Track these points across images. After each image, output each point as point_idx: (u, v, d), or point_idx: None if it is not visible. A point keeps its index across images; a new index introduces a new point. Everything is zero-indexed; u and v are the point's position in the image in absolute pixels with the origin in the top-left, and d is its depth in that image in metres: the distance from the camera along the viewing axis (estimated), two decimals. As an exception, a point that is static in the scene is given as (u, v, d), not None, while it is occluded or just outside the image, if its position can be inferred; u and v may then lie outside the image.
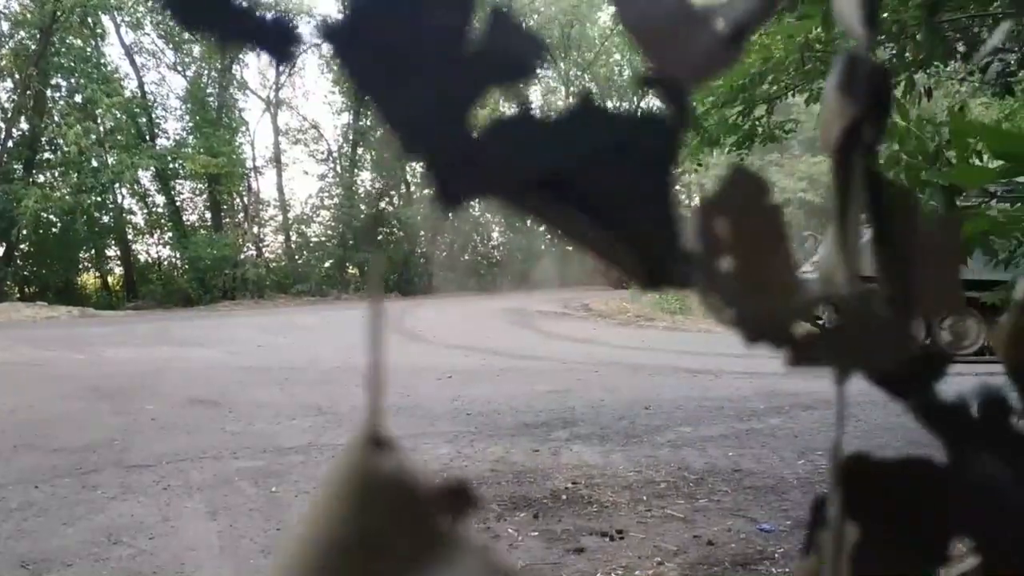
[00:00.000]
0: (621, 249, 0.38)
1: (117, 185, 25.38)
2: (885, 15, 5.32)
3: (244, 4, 0.35)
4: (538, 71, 0.37)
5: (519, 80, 0.37)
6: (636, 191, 0.38)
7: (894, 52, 6.67)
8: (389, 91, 0.35)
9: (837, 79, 0.42)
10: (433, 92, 0.35)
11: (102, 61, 25.22)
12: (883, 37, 5.88)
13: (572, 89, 41.90)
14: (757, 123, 7.05)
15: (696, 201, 0.40)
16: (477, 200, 0.37)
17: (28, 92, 23.28)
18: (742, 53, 0.42)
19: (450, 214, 0.36)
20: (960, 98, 8.23)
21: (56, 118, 24.06)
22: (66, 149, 23.39)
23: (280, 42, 0.37)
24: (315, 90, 68.15)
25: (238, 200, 29.87)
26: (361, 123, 30.57)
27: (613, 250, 0.39)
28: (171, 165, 26.57)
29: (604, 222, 0.38)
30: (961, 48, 6.18)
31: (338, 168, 31.29)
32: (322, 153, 31.42)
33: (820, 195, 25.19)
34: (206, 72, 28.23)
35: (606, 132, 0.38)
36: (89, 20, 24.22)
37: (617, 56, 42.72)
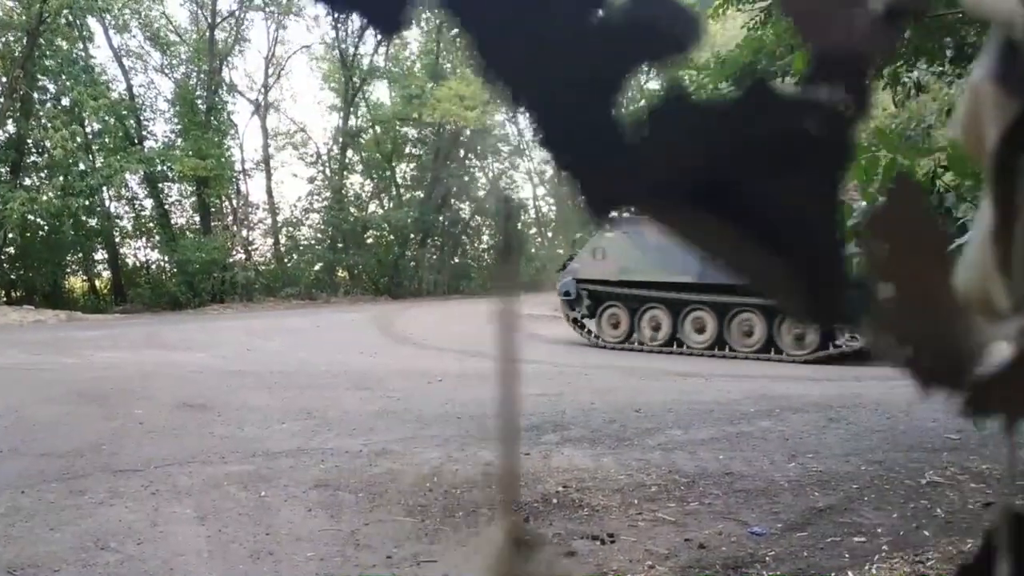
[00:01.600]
0: (781, 274, 0.32)
1: (105, 188, 25.25)
2: None
3: None
4: (693, 49, 0.32)
5: (672, 57, 0.32)
6: (805, 200, 0.32)
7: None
8: (517, 71, 0.30)
9: (991, 69, 0.35)
10: (571, 72, 0.30)
11: (89, 64, 25.10)
12: None
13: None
14: None
15: None
16: (627, 210, 0.32)
17: (14, 95, 23.14)
18: (902, 34, 0.37)
19: (599, 223, 0.31)
20: (948, 100, 8.26)
21: (43, 121, 23.91)
22: (53, 152, 23.24)
23: (390, 9, 0.33)
24: (303, 92, 68.06)
25: (227, 203, 29.76)
26: (350, 125, 30.52)
27: (771, 275, 0.33)
28: (159, 168, 26.44)
29: (765, 239, 0.31)
30: (950, 48, 6.20)
31: (327, 171, 31.21)
32: (311, 156, 31.37)
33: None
34: (195, 74, 28.12)
35: (779, 123, 0.31)
36: (76, 22, 24.10)
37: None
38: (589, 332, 15.04)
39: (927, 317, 0.35)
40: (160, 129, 31.08)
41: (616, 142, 0.31)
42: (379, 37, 29.17)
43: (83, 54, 25.26)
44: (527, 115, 0.31)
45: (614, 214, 0.32)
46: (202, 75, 27.97)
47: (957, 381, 0.35)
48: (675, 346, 13.78)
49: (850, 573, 3.72)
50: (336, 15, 28.85)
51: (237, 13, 27.70)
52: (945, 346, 0.35)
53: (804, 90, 0.32)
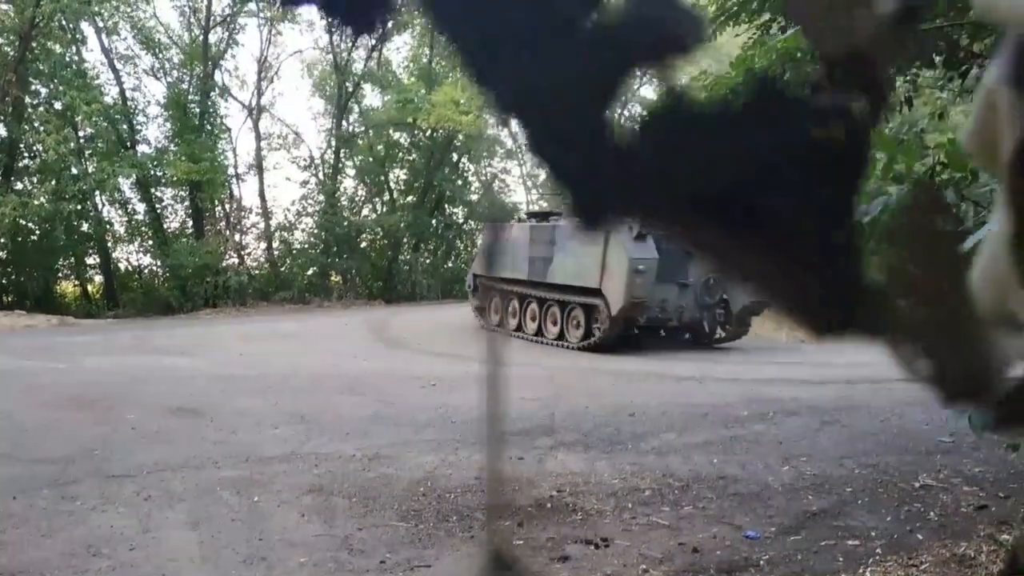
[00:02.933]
0: (795, 282, 0.31)
1: (97, 192, 25.17)
2: None
3: None
4: (696, 50, 0.30)
5: (673, 58, 0.30)
6: (818, 205, 0.30)
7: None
8: (505, 71, 0.28)
9: (1006, 73, 0.33)
10: (563, 75, 0.28)
11: (82, 67, 25.04)
12: None
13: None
14: None
15: None
16: (623, 218, 0.31)
17: (7, 98, 23.07)
18: (914, 35, 0.36)
19: (591, 232, 0.29)
20: (940, 105, 8.29)
21: (35, 125, 23.84)
22: (45, 156, 23.16)
23: (366, 9, 0.31)
24: (296, 96, 67.97)
25: (220, 207, 29.69)
26: (343, 129, 30.49)
27: (784, 284, 0.31)
28: (152, 172, 26.37)
29: (776, 245, 0.30)
30: (941, 54, 6.22)
31: (320, 175, 31.17)
32: (304, 160, 31.32)
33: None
34: (187, 78, 28.07)
35: (788, 127, 0.30)
36: (69, 26, 24.04)
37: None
38: (483, 318, 17.42)
39: (948, 329, 0.34)
40: (153, 133, 31.02)
41: (611, 149, 0.30)
42: (362, 39, 29.28)
43: (76, 58, 25.20)
44: (518, 120, 0.30)
45: (608, 223, 0.31)
46: (195, 79, 27.92)
47: (981, 395, 0.34)
48: (520, 331, 16.05)
49: (844, 577, 3.73)
50: (329, 19, 28.76)
51: (230, 17, 27.66)
52: (967, 359, 0.34)
53: (815, 96, 0.31)
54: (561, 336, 15.06)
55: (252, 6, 27.80)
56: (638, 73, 0.31)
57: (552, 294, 15.20)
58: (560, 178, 0.29)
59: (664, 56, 0.29)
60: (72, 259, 27.04)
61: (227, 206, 29.78)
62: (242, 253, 28.98)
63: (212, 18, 27.41)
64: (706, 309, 14.90)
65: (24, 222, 23.63)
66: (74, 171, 24.41)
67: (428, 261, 32.24)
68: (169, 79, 28.06)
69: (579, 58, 0.29)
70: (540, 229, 15.72)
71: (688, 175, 0.29)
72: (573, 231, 14.13)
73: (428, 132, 30.05)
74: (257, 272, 29.02)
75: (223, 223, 29.55)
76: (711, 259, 0.32)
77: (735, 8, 6.96)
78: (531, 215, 17.58)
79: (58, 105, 24.30)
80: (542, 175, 42.48)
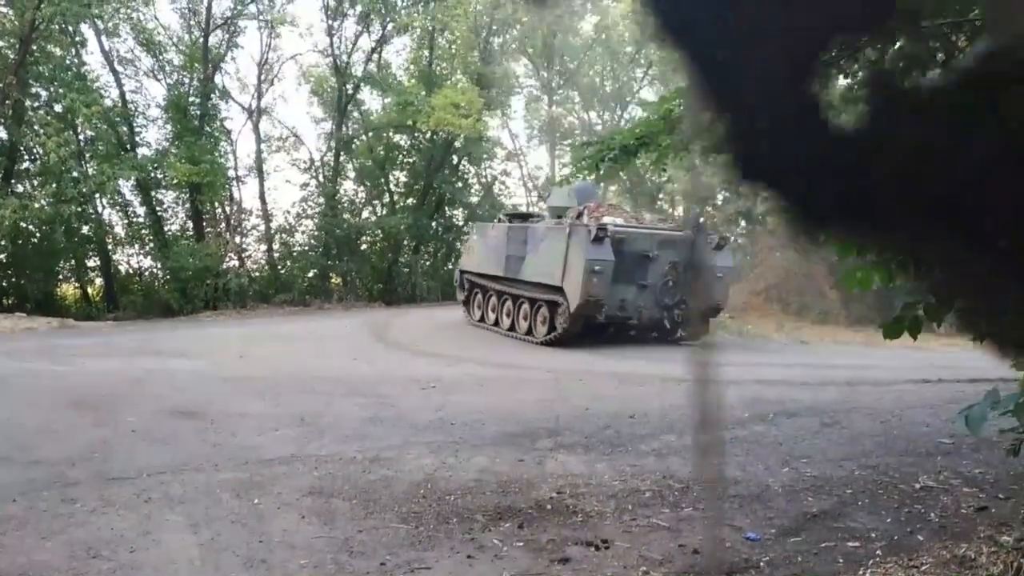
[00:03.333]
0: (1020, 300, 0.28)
1: (97, 195, 25.17)
2: None
3: None
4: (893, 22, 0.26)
5: (885, 23, 0.26)
6: None
7: (872, 60, 6.71)
8: (703, 42, 0.25)
9: None
10: (769, 40, 0.25)
11: (82, 70, 25.05)
12: (862, 43, 5.90)
13: (555, 98, 42.08)
14: None
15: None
16: (846, 228, 0.28)
17: (7, 101, 23.07)
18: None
19: (804, 241, 0.26)
20: None
21: (35, 127, 23.83)
22: (45, 159, 23.17)
23: None
24: (296, 99, 67.93)
25: (220, 210, 29.68)
26: (343, 131, 30.49)
27: (1009, 301, 0.28)
28: (152, 174, 26.36)
29: (1008, 254, 0.26)
30: (940, 56, 6.21)
31: (320, 177, 31.16)
32: (304, 162, 31.31)
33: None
34: (187, 80, 28.07)
35: (1016, 115, 0.26)
36: (69, 29, 24.04)
37: (598, 67, 42.95)
38: (467, 311, 18.83)
39: None
40: (153, 135, 30.99)
41: (824, 134, 0.27)
42: (361, 41, 29.16)
43: (76, 60, 25.22)
44: (728, 121, 0.28)
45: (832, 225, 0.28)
46: (195, 81, 27.93)
47: None
48: (497, 326, 17.06)
49: (844, 578, 3.72)
50: (331, 23, 28.91)
51: (230, 20, 27.68)
52: None
53: None
54: (530, 331, 15.90)
55: (252, 8, 27.84)
56: (840, 42, 0.29)
57: (524, 291, 16.05)
58: (777, 181, 0.27)
59: (875, 21, 0.27)
60: (72, 262, 27.04)
61: (227, 208, 29.77)
62: (242, 255, 28.98)
63: (212, 20, 27.43)
64: (666, 309, 15.54)
65: (24, 225, 23.63)
66: (74, 174, 24.42)
67: (428, 263, 32.23)
68: (169, 81, 28.07)
69: (785, 20, 0.27)
70: (517, 229, 16.62)
71: (914, 168, 0.27)
72: (545, 231, 15.78)
73: (428, 135, 30.07)
74: (257, 274, 29.01)
75: (223, 225, 29.55)
76: (941, 271, 0.30)
77: None
78: (510, 216, 18.59)
79: (58, 108, 24.30)
80: (542, 177, 42.45)
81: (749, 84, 0.25)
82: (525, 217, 18.16)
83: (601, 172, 7.46)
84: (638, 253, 15.31)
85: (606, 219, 16.12)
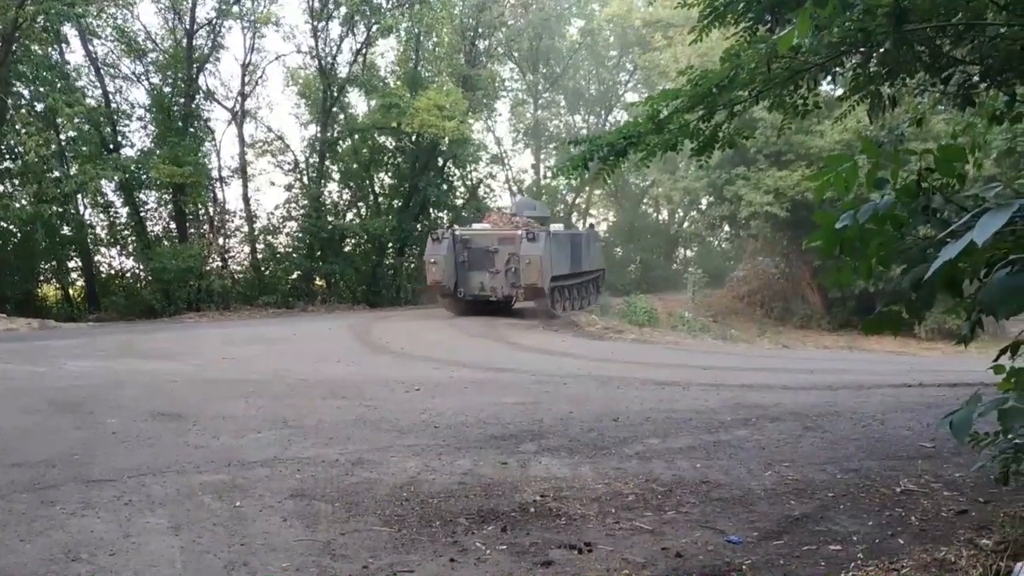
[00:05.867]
0: None
1: (79, 195, 24.97)
2: (850, 24, 5.38)
3: None
4: None
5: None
6: None
7: (858, 63, 6.77)
8: None
9: None
10: None
11: (65, 69, 24.85)
12: (847, 47, 5.96)
13: (540, 102, 42.14)
14: (718, 129, 7.09)
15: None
16: None
17: (-12, 100, 22.86)
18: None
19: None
20: (920, 110, 8.36)
21: (16, 126, 23.62)
22: (26, 158, 22.95)
23: None
24: (280, 101, 67.74)
25: (203, 211, 29.52)
26: (328, 135, 30.39)
27: None
28: (135, 175, 26.17)
29: None
30: (925, 60, 6.27)
31: (305, 179, 31.05)
32: (289, 163, 31.20)
33: (785, 208, 25.42)
34: (171, 81, 27.90)
35: None
36: (51, 28, 23.84)
37: (585, 70, 43.06)
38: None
39: None
40: (137, 136, 30.72)
41: None
42: (346, 42, 29.13)
43: (58, 60, 25.02)
44: None
45: None
46: (179, 82, 27.77)
47: None
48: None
49: (826, 581, 3.74)
50: (315, 24, 28.77)
51: (214, 21, 27.53)
52: None
53: None
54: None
55: (236, 9, 27.70)
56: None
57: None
58: None
59: None
60: (54, 262, 26.81)
61: (211, 210, 29.62)
62: (226, 257, 28.84)
63: (195, 22, 27.29)
64: (513, 287, 21.69)
65: (5, 225, 23.43)
66: (56, 173, 24.23)
67: (412, 266, 32.16)
68: (152, 82, 27.91)
69: None
70: (437, 242, 22.16)
71: None
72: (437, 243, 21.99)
73: (413, 137, 30.03)
74: (240, 276, 28.88)
75: (207, 227, 29.39)
76: None
77: (722, 7, 7.00)
78: (435, 232, 23.37)
79: (40, 107, 24.11)
80: (527, 180, 42.45)
81: None
82: (443, 230, 23.76)
83: (587, 174, 7.50)
84: (483, 248, 21.96)
85: (475, 225, 23.97)
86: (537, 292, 21.15)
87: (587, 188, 41.34)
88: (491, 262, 21.72)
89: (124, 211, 27.77)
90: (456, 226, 24.01)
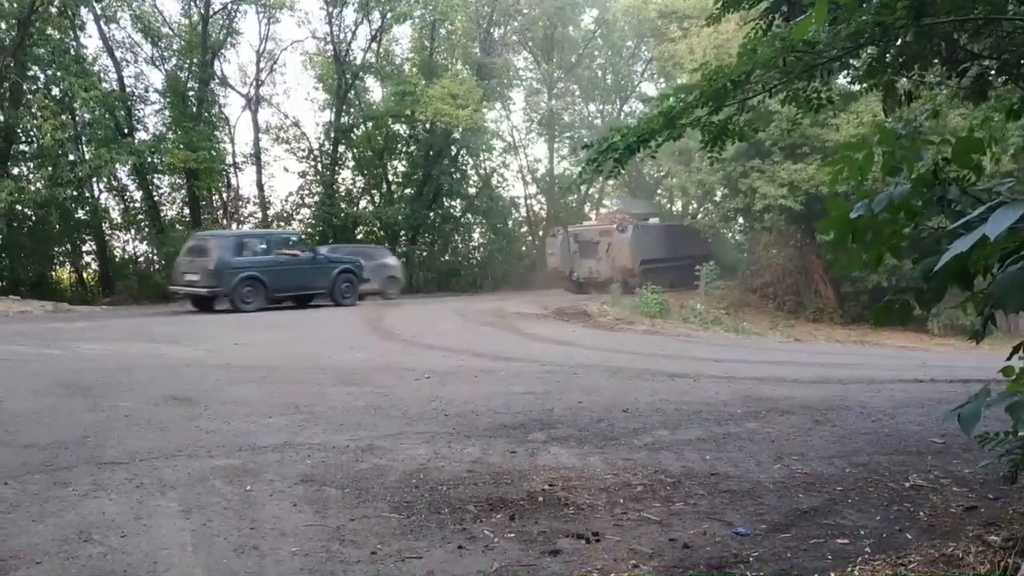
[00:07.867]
0: None
1: (94, 179, 25.09)
2: (866, 18, 5.33)
3: None
4: None
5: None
6: None
7: (873, 56, 6.71)
8: None
9: None
10: None
11: (81, 54, 24.94)
12: (864, 40, 5.90)
13: (555, 91, 41.98)
14: (728, 121, 7.04)
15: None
16: None
17: (5, 83, 22.98)
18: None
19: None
20: (936, 104, 8.28)
21: (33, 110, 23.74)
22: (42, 142, 23.08)
23: None
24: (295, 87, 67.73)
25: (217, 196, 29.62)
26: (342, 121, 30.42)
27: None
28: (149, 159, 26.28)
29: None
30: (942, 53, 6.22)
31: (319, 166, 31.09)
32: (303, 151, 31.24)
33: (799, 201, 25.31)
34: (186, 67, 27.95)
35: None
36: (68, 12, 23.93)
37: (600, 60, 42.84)
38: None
39: None
40: (151, 120, 30.88)
41: None
42: (361, 29, 29.11)
43: (74, 44, 25.11)
44: None
45: None
46: (193, 67, 27.82)
47: None
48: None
49: (832, 574, 3.73)
50: (330, 10, 28.71)
51: (229, 6, 27.55)
52: None
53: None
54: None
55: (251, -6, 27.72)
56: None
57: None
58: None
59: None
60: (68, 246, 26.99)
61: (224, 195, 29.73)
62: (239, 243, 28.90)
63: (211, 7, 27.31)
64: (612, 269, 26.60)
65: (20, 208, 23.58)
66: (71, 157, 24.36)
67: (425, 254, 32.23)
68: (168, 67, 27.98)
69: None
70: (553, 237, 28.02)
71: None
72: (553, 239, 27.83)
73: (427, 125, 30.00)
74: (254, 262, 28.93)
75: (220, 212, 29.52)
76: None
77: None
78: (552, 230, 29.19)
79: (56, 91, 24.22)
80: (540, 169, 42.36)
81: None
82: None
83: (603, 173, 7.54)
84: (589, 240, 27.41)
85: (584, 223, 29.89)
86: (628, 272, 25.98)
87: (600, 179, 41.22)
88: (595, 251, 27.11)
89: (138, 195, 27.89)
90: (568, 226, 29.35)
